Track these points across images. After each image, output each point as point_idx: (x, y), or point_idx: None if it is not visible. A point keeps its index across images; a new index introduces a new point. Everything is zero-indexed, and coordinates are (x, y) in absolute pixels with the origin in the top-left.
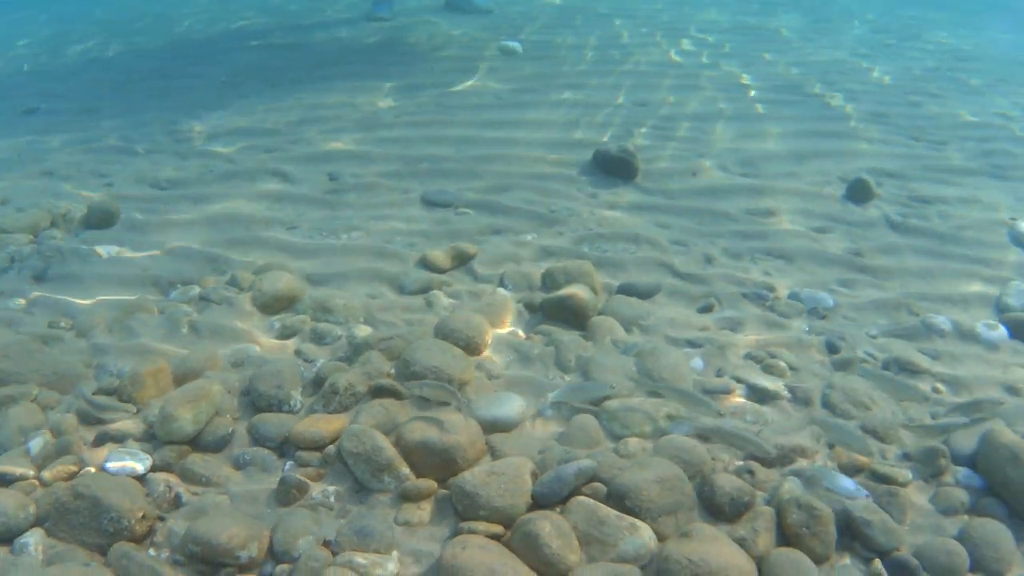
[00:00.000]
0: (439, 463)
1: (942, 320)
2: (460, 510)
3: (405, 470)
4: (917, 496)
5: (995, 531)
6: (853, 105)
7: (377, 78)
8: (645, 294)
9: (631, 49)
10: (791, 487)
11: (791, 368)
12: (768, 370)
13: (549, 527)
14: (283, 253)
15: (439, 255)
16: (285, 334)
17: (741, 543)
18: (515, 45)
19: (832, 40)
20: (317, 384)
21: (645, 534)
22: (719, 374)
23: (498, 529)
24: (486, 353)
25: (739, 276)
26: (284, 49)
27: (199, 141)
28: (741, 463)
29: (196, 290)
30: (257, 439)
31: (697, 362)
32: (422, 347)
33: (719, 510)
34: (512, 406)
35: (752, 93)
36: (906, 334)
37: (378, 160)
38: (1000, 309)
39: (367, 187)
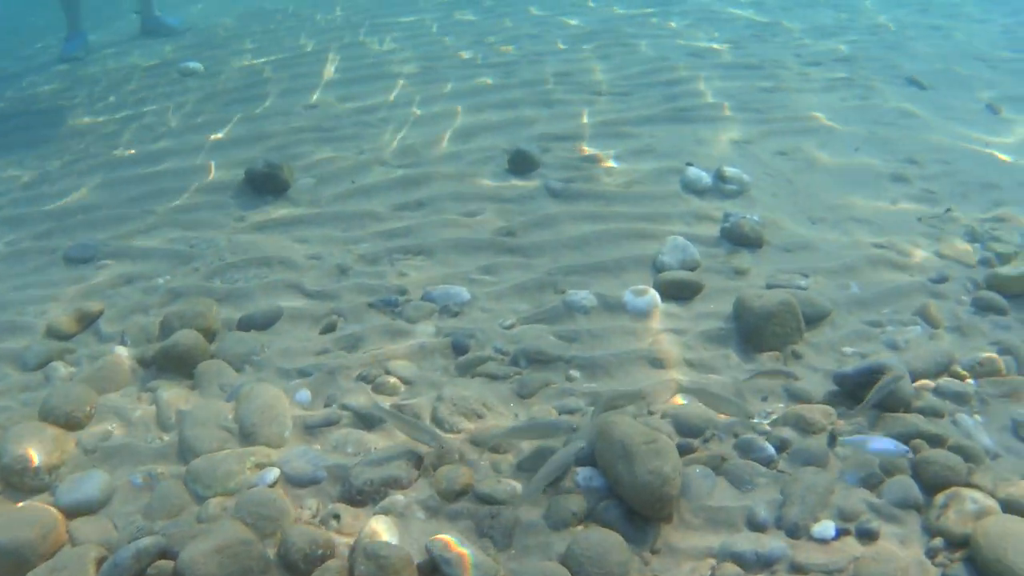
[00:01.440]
0: (12, 565)
1: (583, 296)
2: None
3: None
4: (529, 511)
5: (601, 542)
6: (538, 68)
7: (50, 128)
8: (264, 324)
9: (318, 54)
10: (376, 529)
11: (406, 382)
12: (379, 389)
13: None
14: None
15: (64, 320)
16: None
17: None
18: (195, 65)
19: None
20: None
21: None
22: (328, 403)
23: None
24: (89, 426)
25: (372, 284)
26: None
27: None
28: (329, 507)
29: None
30: None
31: (303, 395)
32: (13, 435)
33: (295, 568)
34: (93, 485)
35: (430, 78)
36: (546, 317)
37: (31, 222)
38: (656, 269)
39: (16, 255)
